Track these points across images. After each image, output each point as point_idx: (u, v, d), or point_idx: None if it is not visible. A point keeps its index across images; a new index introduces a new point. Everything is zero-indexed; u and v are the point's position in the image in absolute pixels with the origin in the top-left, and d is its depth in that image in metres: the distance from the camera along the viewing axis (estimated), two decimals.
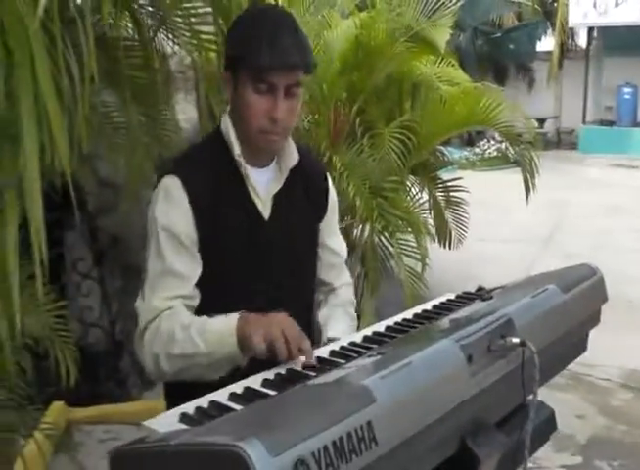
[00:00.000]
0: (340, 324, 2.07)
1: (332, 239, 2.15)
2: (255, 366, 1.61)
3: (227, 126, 1.91)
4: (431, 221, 5.58)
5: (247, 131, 1.86)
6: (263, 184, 1.94)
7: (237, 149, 1.88)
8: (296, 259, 2.01)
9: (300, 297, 2.04)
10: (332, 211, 2.14)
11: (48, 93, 1.29)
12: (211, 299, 1.86)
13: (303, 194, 2.02)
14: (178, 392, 1.72)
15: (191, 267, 1.84)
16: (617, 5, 17.49)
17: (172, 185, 1.84)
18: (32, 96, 1.26)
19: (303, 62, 1.83)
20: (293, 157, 1.97)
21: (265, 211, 1.93)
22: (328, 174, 2.18)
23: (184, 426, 1.28)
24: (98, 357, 4.20)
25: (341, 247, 2.20)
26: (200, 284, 1.86)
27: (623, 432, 4.31)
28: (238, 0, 2.95)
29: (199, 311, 1.84)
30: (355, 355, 1.54)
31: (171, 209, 1.83)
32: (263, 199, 1.93)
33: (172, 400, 1.87)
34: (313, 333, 2.06)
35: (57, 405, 3.93)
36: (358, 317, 5.46)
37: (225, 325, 1.69)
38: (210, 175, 1.88)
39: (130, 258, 4.26)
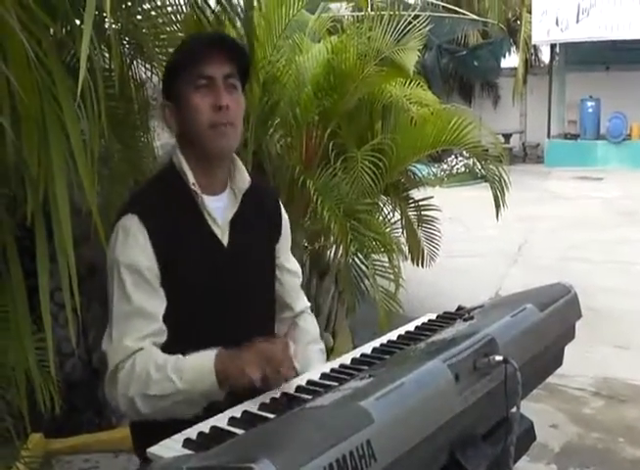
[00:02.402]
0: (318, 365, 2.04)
1: (288, 261, 2.19)
2: (233, 400, 1.64)
3: (178, 156, 1.93)
4: (403, 240, 5.66)
5: (197, 135, 1.89)
6: (219, 211, 1.96)
7: (191, 178, 1.89)
8: (256, 282, 2.04)
9: (263, 317, 2.08)
10: (285, 233, 2.17)
11: (79, 150, 1.38)
12: (177, 330, 1.86)
13: (257, 217, 2.05)
14: (144, 430, 1.75)
15: (156, 304, 1.84)
16: (577, 21, 17.80)
17: (129, 223, 1.85)
18: (63, 151, 1.37)
19: (234, 45, 1.94)
20: (245, 180, 2.00)
21: (224, 238, 1.95)
22: (279, 198, 2.23)
23: (188, 451, 1.33)
24: (75, 387, 4.17)
25: (297, 268, 2.23)
26: (165, 317, 1.86)
27: (596, 439, 4.39)
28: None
29: (167, 344, 1.84)
30: (347, 378, 1.61)
31: (131, 246, 1.83)
32: (221, 226, 1.95)
33: (139, 438, 1.90)
34: None
35: (35, 437, 3.84)
36: (333, 336, 5.51)
37: (203, 362, 1.71)
38: (167, 207, 1.90)
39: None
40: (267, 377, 1.65)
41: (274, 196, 2.22)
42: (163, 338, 1.85)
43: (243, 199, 1.99)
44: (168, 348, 1.82)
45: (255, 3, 3.18)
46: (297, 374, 1.74)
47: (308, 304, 2.28)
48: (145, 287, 1.83)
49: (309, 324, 2.22)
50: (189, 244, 1.89)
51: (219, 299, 1.92)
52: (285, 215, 2.19)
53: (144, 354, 1.78)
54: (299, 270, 2.25)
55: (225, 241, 1.95)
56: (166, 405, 1.73)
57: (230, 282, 1.95)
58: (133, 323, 1.81)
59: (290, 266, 2.19)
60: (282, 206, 2.20)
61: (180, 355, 1.76)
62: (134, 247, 1.83)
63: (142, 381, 1.73)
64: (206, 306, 1.90)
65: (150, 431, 1.53)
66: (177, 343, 1.82)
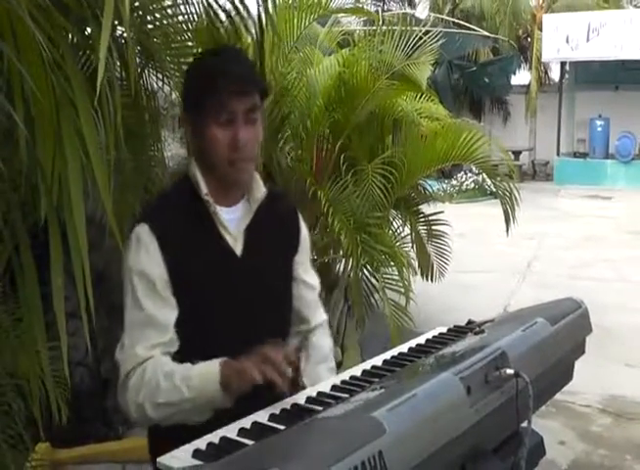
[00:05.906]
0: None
1: (307, 274, 2.16)
2: (242, 406, 1.64)
3: (194, 169, 1.92)
4: (413, 254, 5.64)
5: (215, 166, 1.88)
6: (234, 222, 1.95)
7: (204, 189, 1.89)
8: (271, 294, 2.01)
9: (277, 330, 2.03)
10: (304, 246, 2.14)
11: (95, 154, 1.38)
12: (189, 339, 1.86)
13: (273, 227, 2.03)
14: (161, 432, 1.78)
15: (167, 313, 1.84)
16: (588, 40, 17.81)
17: (141, 232, 1.85)
18: (78, 155, 1.37)
19: (255, 83, 1.91)
20: (260, 190, 1.98)
21: (237, 248, 1.94)
22: (298, 210, 2.20)
23: (198, 462, 1.32)
24: (84, 397, 4.15)
25: (315, 281, 2.20)
26: (177, 326, 1.86)
27: (603, 456, 4.38)
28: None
29: (178, 353, 1.84)
30: (358, 389, 1.59)
31: (141, 255, 1.84)
32: (234, 235, 1.93)
33: (155, 441, 1.90)
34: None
35: (42, 446, 3.83)
36: (342, 350, 5.48)
37: (208, 369, 1.72)
38: (179, 218, 1.90)
39: (116, 297, 4.25)
40: (268, 377, 1.63)
41: (292, 207, 2.18)
42: (175, 347, 1.85)
43: (258, 209, 1.97)
44: (180, 356, 1.82)
45: (271, 11, 3.16)
46: (303, 388, 1.74)
47: (325, 317, 2.27)
48: (156, 296, 1.83)
49: (322, 341, 2.20)
50: (200, 253, 1.88)
51: (231, 307, 1.91)
52: (304, 227, 2.16)
53: (154, 363, 1.78)
54: (318, 283, 2.22)
55: (238, 250, 1.94)
56: (175, 412, 1.74)
57: (243, 291, 1.93)
58: (144, 332, 1.82)
59: (308, 279, 2.16)
60: (301, 217, 2.17)
61: (188, 364, 1.76)
62: (144, 256, 1.83)
63: (151, 389, 1.74)
64: (218, 315, 1.89)
65: (167, 437, 1.54)
66: (188, 351, 1.82)
